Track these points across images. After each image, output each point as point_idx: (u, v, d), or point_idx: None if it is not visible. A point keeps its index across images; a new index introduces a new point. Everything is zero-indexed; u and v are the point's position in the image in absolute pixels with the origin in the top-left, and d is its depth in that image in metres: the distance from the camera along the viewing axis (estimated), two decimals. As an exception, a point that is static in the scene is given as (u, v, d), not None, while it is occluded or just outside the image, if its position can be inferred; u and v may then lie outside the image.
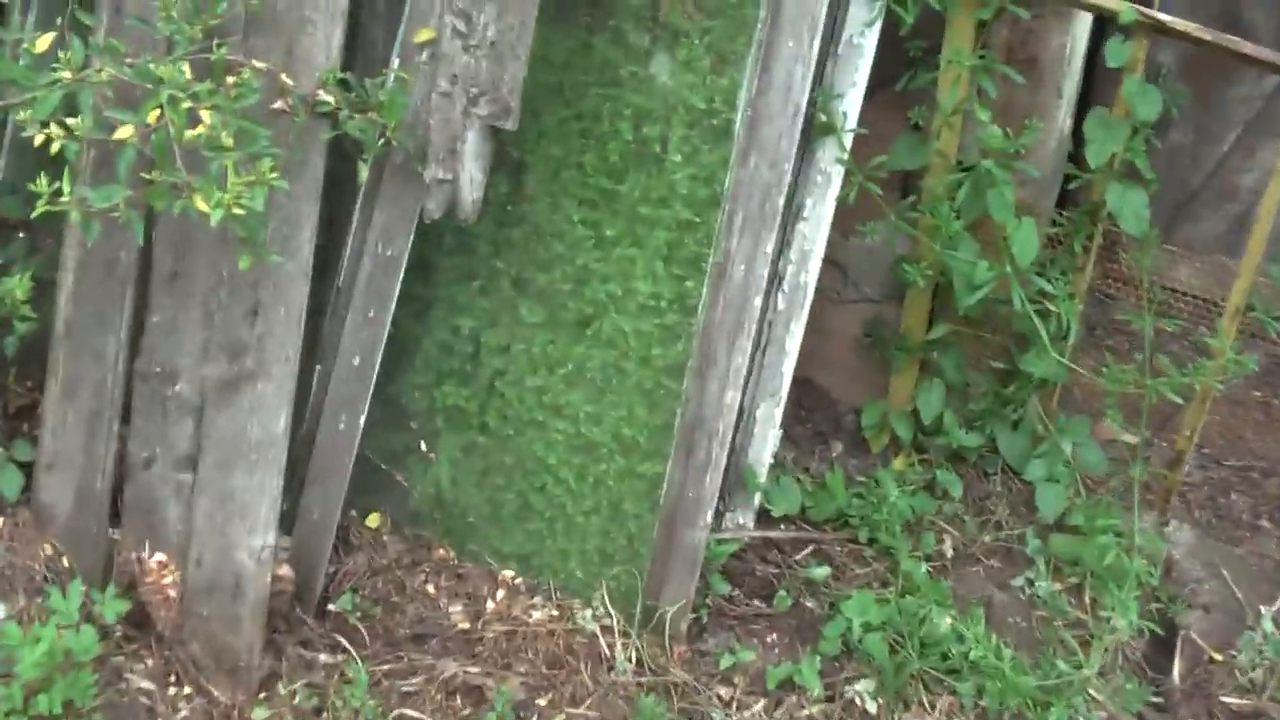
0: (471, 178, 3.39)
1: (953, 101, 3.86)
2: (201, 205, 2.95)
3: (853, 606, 3.75)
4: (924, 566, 3.94)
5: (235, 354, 3.42)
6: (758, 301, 3.48)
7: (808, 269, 3.82)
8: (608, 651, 3.66)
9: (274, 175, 3.00)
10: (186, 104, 2.98)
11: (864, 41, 3.63)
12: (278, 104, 3.31)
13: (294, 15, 3.27)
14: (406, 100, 3.28)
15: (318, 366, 3.70)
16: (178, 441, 3.50)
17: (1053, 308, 3.92)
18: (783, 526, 4.17)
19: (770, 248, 3.45)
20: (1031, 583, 4.05)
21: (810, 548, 4.13)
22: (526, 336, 3.71)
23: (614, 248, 3.59)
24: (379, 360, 3.60)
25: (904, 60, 3.98)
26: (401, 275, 3.54)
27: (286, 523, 3.69)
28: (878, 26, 3.63)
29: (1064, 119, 4.07)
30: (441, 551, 3.90)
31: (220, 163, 2.97)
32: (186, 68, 3.04)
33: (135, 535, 3.55)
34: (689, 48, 3.48)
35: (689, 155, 3.48)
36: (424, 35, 3.38)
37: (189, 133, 2.97)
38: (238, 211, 2.92)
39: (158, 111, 2.98)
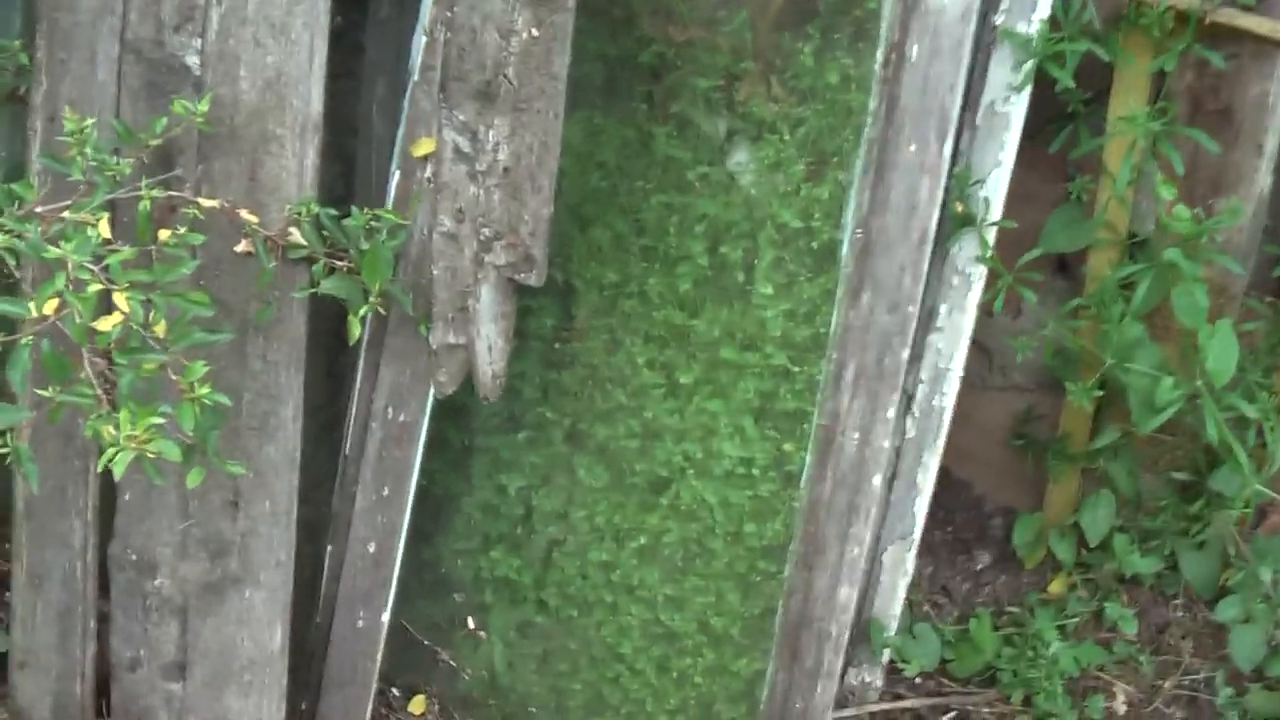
0: (491, 344, 2.62)
1: (1126, 174, 2.97)
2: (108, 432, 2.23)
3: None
4: (1094, 745, 3.16)
5: (217, 553, 2.74)
6: (877, 480, 2.69)
7: (943, 390, 2.99)
8: None
9: (205, 390, 2.25)
10: (95, 286, 2.22)
11: (1010, 110, 2.75)
12: (242, 246, 2.55)
13: (255, 131, 2.51)
14: (391, 257, 2.51)
15: (329, 547, 2.98)
16: (162, 646, 2.85)
17: (1251, 414, 3.06)
18: (918, 680, 3.41)
19: (892, 412, 2.65)
20: (1226, 747, 3.26)
21: (952, 713, 3.36)
22: (587, 501, 2.96)
23: (690, 398, 2.81)
24: (400, 545, 2.89)
25: (1055, 107, 3.09)
26: (421, 445, 2.81)
27: (305, 729, 3.02)
28: (1028, 91, 2.74)
29: (1264, 181, 3.15)
30: (499, 746, 3.22)
31: (132, 378, 2.23)
32: (104, 224, 2.28)
33: (124, 750, 2.91)
34: (776, 144, 2.65)
35: (782, 285, 2.67)
36: (424, 148, 2.60)
37: (104, 323, 2.22)
38: (150, 455, 2.18)
39: (55, 301, 2.23)
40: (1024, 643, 3.36)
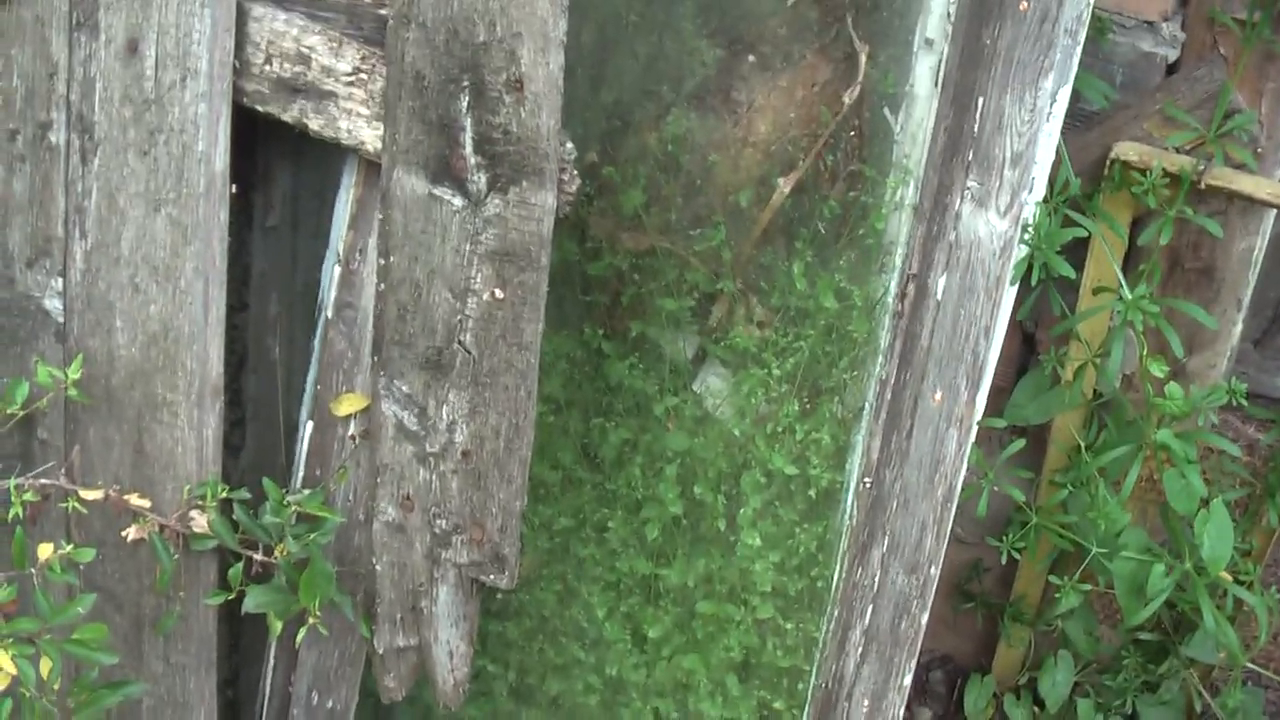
0: (452, 650, 2.20)
1: (1119, 356, 2.69)
2: None
3: None
4: None
5: None
6: (890, 751, 2.36)
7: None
8: None
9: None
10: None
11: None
12: (132, 533, 2.08)
13: (139, 395, 2.03)
14: (331, 570, 2.06)
15: (242, 841, 2.53)
16: None
17: (1247, 599, 2.85)
18: None
19: (908, 679, 2.32)
20: None
21: None
22: (538, 761, 2.57)
23: (661, 653, 2.43)
24: (333, 842, 2.45)
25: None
26: (352, 730, 2.37)
27: None
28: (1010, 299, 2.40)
29: (1237, 336, 2.92)
30: None
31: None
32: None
33: None
34: (760, 376, 2.28)
35: (772, 535, 2.31)
36: (349, 406, 2.15)
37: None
38: None
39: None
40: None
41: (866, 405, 2.24)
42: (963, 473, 2.21)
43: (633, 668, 2.46)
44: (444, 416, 2.06)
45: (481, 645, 2.48)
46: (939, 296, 2.15)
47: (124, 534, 2.11)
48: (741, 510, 2.32)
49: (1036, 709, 3.28)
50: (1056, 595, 2.90)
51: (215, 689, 2.24)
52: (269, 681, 2.42)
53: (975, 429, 2.20)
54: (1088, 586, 2.89)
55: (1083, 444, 2.90)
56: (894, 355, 2.21)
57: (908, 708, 3.34)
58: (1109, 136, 2.71)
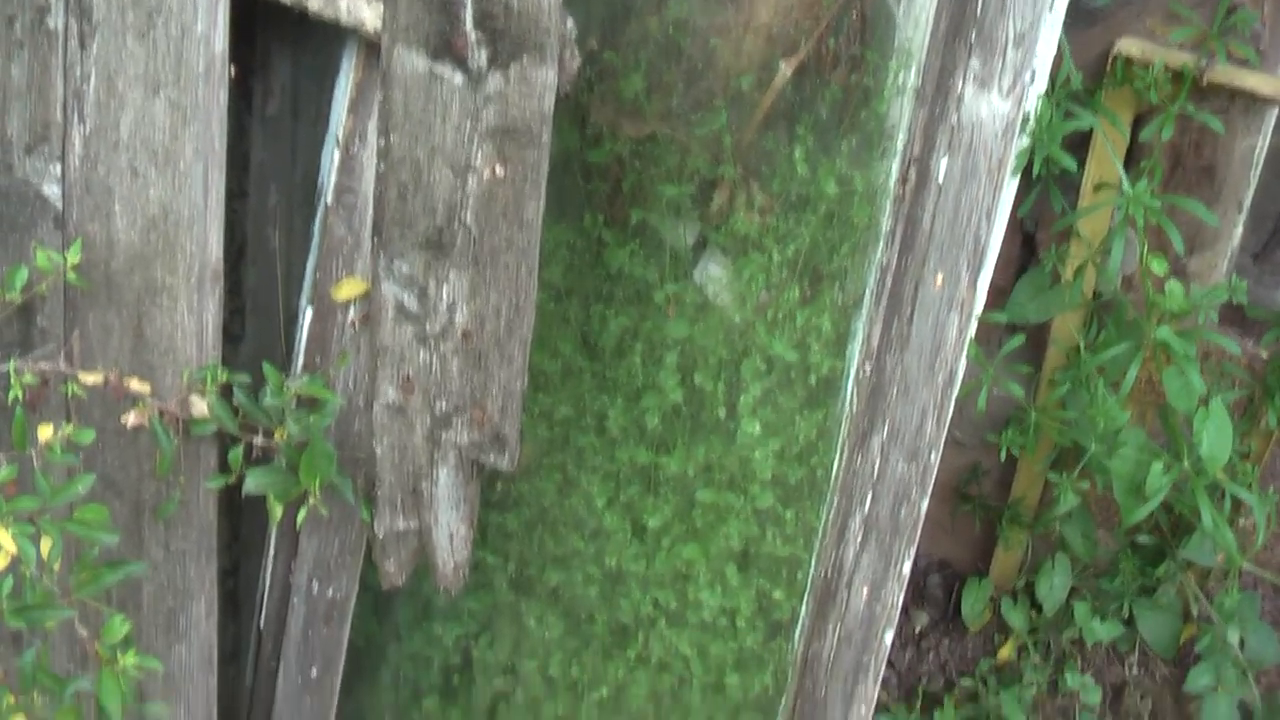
0: (452, 532, 2.21)
1: (1119, 253, 2.68)
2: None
3: None
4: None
5: (122, 765, 2.27)
6: (888, 637, 2.38)
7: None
8: None
9: (130, 658, 1.81)
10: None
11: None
12: (132, 419, 2.08)
13: (138, 280, 2.02)
14: (332, 449, 2.06)
15: (243, 730, 2.55)
16: None
17: (1244, 497, 2.85)
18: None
19: (908, 567, 2.33)
20: (1201, 828, 3.11)
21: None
22: (538, 651, 2.58)
23: (661, 543, 2.44)
24: (332, 731, 2.47)
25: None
26: (349, 619, 2.38)
27: None
28: (1016, 177, 2.40)
29: (1238, 238, 2.91)
30: None
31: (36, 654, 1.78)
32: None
33: None
34: (761, 262, 2.27)
35: (772, 423, 2.31)
36: (349, 290, 2.15)
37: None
38: None
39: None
40: (988, 725, 3.14)
41: (867, 291, 2.24)
42: (964, 359, 2.21)
43: (632, 558, 2.47)
44: (444, 297, 2.06)
45: (481, 537, 2.49)
46: (940, 180, 2.14)
47: (123, 420, 2.11)
48: (741, 398, 2.33)
49: (1034, 612, 3.29)
50: (1056, 495, 2.91)
51: (216, 577, 2.25)
52: (269, 572, 2.43)
53: (976, 315, 2.19)
54: (1086, 484, 2.90)
55: (1082, 343, 2.90)
56: (895, 240, 2.20)
57: (904, 611, 3.37)
58: (1111, 33, 2.69)
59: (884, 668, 2.40)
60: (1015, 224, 2.96)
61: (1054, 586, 3.20)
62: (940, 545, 3.43)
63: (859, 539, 2.33)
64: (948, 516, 3.33)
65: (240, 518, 2.51)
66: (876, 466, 2.29)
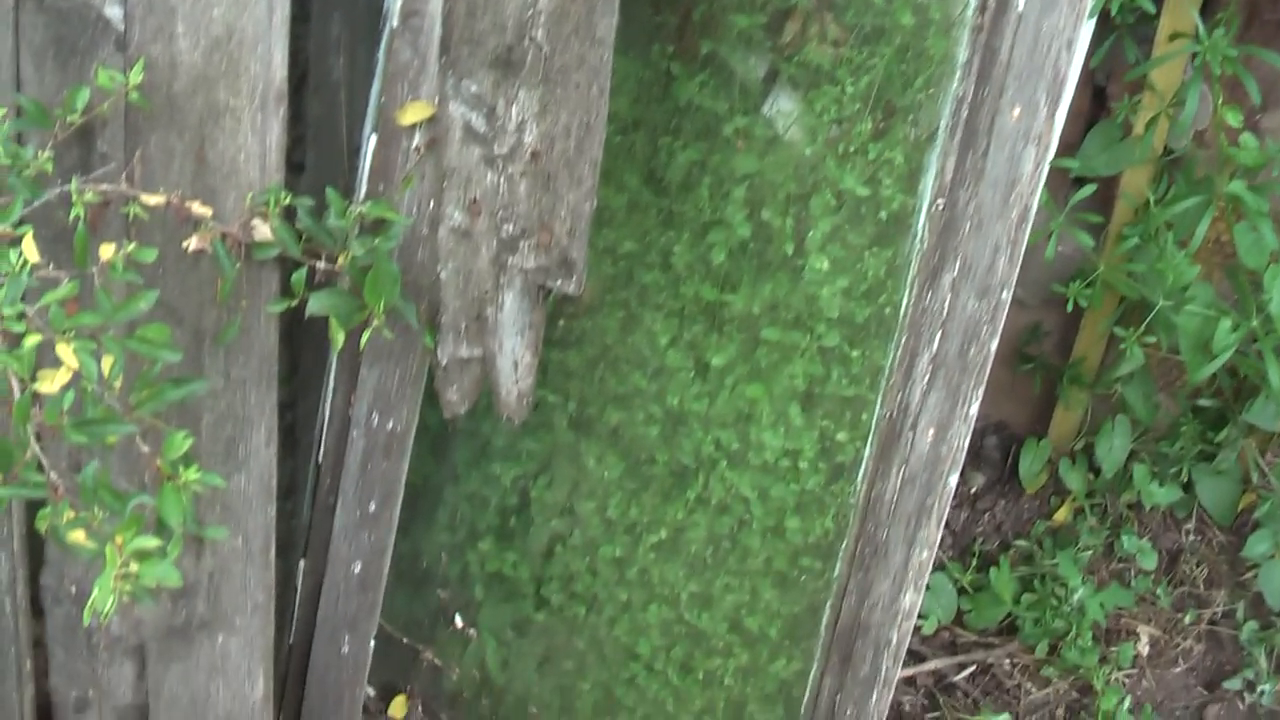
0: (516, 359, 2.19)
1: (1193, 103, 2.62)
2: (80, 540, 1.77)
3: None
4: (1127, 702, 2.96)
5: (179, 594, 2.32)
6: (952, 481, 2.36)
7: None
8: None
9: (193, 473, 1.80)
10: (33, 338, 1.72)
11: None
12: (193, 243, 2.05)
13: (201, 101, 1.99)
14: (397, 270, 2.03)
15: (301, 563, 2.56)
16: (116, 686, 2.43)
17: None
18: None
19: (975, 408, 2.30)
20: (1252, 686, 3.10)
21: (972, 667, 3.13)
22: (597, 492, 2.58)
23: (724, 382, 2.42)
24: (387, 564, 2.47)
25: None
26: (409, 453, 2.38)
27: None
28: (1092, 22, 2.34)
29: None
30: (495, 751, 2.88)
31: (96, 470, 1.76)
32: (29, 245, 1.77)
33: (75, 802, 2.50)
34: (834, 95, 2.23)
35: (841, 260, 2.28)
36: (414, 114, 2.11)
37: (47, 383, 1.73)
38: (147, 583, 1.72)
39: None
40: (1044, 588, 3.13)
41: (941, 124, 2.19)
42: (1039, 194, 2.16)
43: (694, 398, 2.45)
44: (513, 116, 2.02)
45: (541, 375, 2.47)
46: (1021, 9, 2.08)
47: (185, 244, 2.08)
48: (810, 234, 2.29)
49: (1091, 475, 3.27)
50: (1122, 348, 2.87)
51: (276, 405, 2.24)
52: (328, 405, 2.42)
53: (1053, 148, 2.14)
54: (1153, 338, 2.85)
55: (1151, 198, 2.85)
56: (972, 71, 2.15)
57: (960, 473, 3.34)
58: (1194, -126, 2.61)
59: (946, 510, 2.38)
60: (1086, 76, 2.90)
61: (1113, 449, 3.17)
62: (998, 407, 3.40)
63: (926, 379, 2.30)
64: (1007, 377, 3.29)
65: (299, 350, 2.50)
66: (946, 304, 2.25)
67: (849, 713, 2.58)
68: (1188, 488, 3.24)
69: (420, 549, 2.75)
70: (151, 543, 1.69)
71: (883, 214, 2.25)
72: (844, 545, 2.48)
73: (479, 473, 2.64)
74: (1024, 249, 2.19)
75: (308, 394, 2.53)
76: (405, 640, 2.84)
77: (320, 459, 2.46)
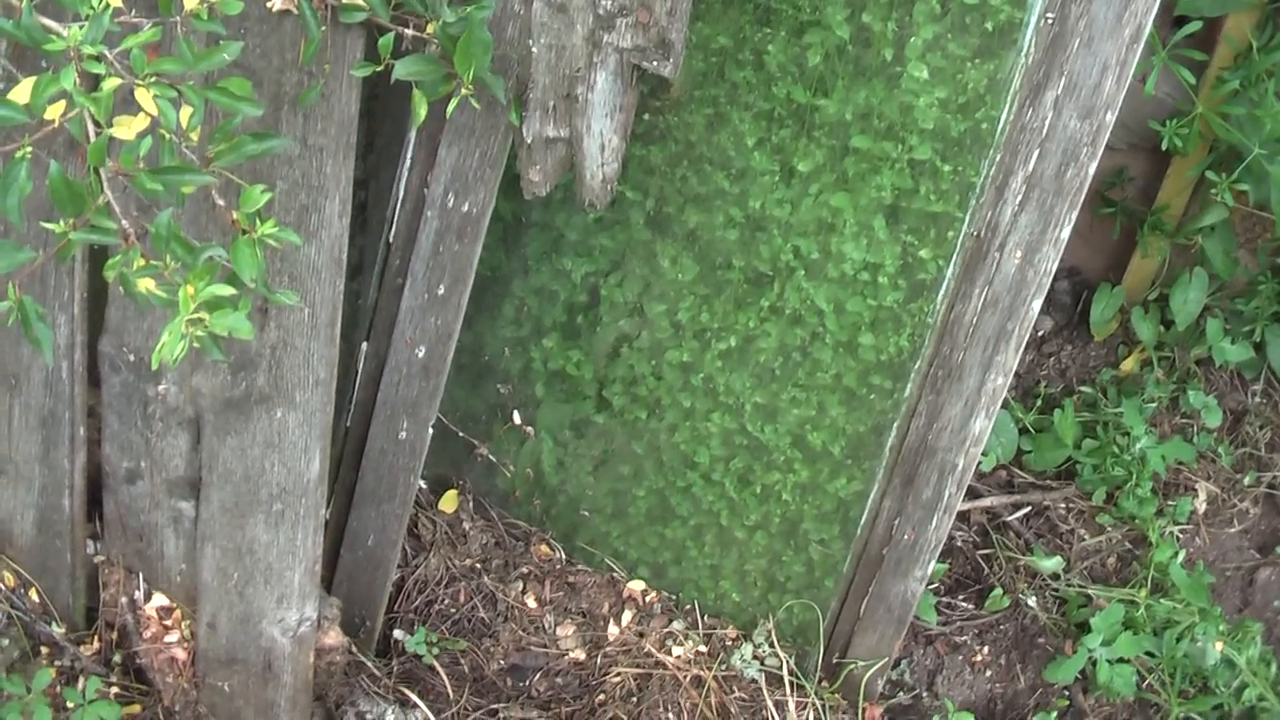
0: (604, 142, 2.14)
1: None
2: (150, 289, 1.74)
3: (1095, 634, 2.79)
4: (1180, 556, 2.94)
5: (240, 365, 2.30)
6: (1036, 305, 2.31)
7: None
8: (774, 710, 2.71)
9: (269, 227, 1.76)
10: (113, 81, 1.67)
11: None
12: (278, 3, 2.00)
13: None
14: (490, 38, 1.97)
15: (363, 345, 2.54)
16: (168, 458, 2.43)
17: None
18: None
19: (1067, 232, 2.24)
20: (1308, 551, 3.09)
21: (1028, 508, 3.10)
22: (668, 295, 2.54)
23: (809, 189, 2.37)
24: (452, 350, 2.45)
25: None
26: (482, 237, 2.34)
27: (330, 539, 2.65)
28: None
29: None
30: (545, 548, 2.88)
31: (168, 220, 1.72)
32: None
33: (124, 564, 2.53)
34: (949, -105, 2.14)
35: (940, 70, 2.21)
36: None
37: (124, 129, 1.69)
38: (218, 332, 1.69)
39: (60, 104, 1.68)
40: (1105, 435, 3.09)
41: (1061, -70, 2.10)
42: (1153, 12, 2.07)
43: (776, 203, 2.39)
44: (621, -116, 1.94)
45: (622, 170, 2.42)
46: None
47: (269, 3, 2.02)
48: (911, 40, 2.21)
49: (1162, 327, 3.21)
50: (1212, 194, 2.79)
51: (352, 176, 2.19)
52: (404, 183, 2.38)
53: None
54: (1243, 186, 2.78)
55: (1255, 44, 2.75)
56: (1097, -123, 2.05)
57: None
58: None
59: (1026, 336, 2.33)
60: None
61: (1188, 301, 3.11)
62: (1073, 251, 3.33)
63: (1019, 198, 2.24)
64: (1084, 221, 3.21)
65: (377, 125, 2.45)
66: (1048, 122, 2.18)
67: (906, 537, 2.57)
68: (1259, 349, 3.18)
69: (483, 342, 2.72)
70: (226, 290, 1.66)
71: (988, 24, 2.16)
72: (917, 365, 2.44)
73: (549, 267, 2.60)
74: (1134, 69, 2.11)
75: (380, 172, 2.49)
76: (461, 434, 2.83)
77: (391, 238, 2.43)
